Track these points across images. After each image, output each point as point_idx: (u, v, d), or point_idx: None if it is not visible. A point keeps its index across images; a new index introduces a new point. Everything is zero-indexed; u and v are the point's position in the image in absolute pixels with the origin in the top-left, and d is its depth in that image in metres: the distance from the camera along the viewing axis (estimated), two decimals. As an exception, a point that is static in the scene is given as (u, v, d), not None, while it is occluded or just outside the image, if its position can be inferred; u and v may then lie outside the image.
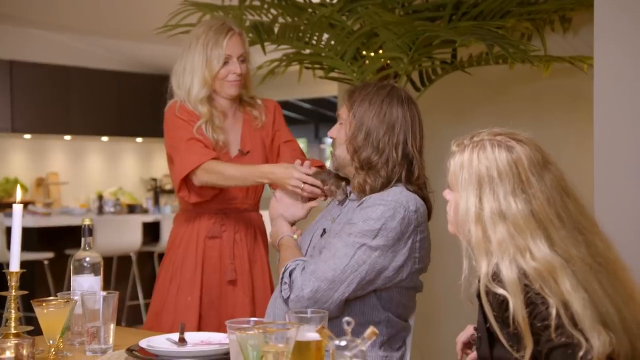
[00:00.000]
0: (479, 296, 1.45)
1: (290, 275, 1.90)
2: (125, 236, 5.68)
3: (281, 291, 1.89)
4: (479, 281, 1.44)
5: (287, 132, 2.67)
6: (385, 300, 1.95)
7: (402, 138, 1.97)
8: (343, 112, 2.02)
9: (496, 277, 1.41)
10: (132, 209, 6.62)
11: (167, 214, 6.30)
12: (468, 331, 1.72)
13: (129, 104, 7.44)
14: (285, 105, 8.29)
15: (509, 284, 1.39)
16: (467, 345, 1.73)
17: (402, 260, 1.90)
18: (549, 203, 1.43)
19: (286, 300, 1.88)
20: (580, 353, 1.33)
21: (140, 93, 7.52)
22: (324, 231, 2.02)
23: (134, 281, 5.98)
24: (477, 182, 1.46)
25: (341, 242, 1.88)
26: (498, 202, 1.43)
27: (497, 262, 1.42)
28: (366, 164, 1.96)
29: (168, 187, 7.83)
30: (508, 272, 1.39)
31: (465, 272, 1.46)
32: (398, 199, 1.90)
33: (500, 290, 1.40)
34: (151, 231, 6.01)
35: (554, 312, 1.35)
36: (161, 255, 6.17)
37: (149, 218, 6.08)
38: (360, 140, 1.96)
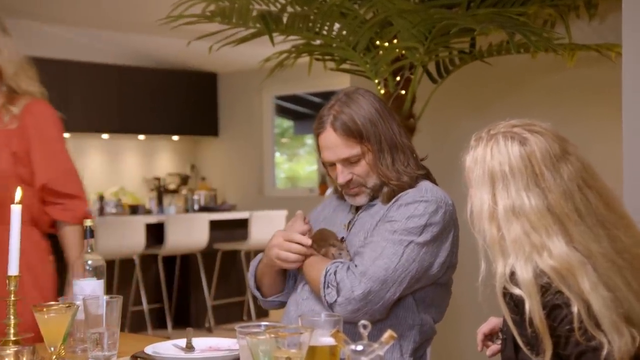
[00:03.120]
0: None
1: (335, 277, 1.90)
2: (128, 238, 5.70)
3: (325, 295, 1.90)
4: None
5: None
6: (419, 300, 1.98)
7: (397, 120, 2.04)
8: (350, 149, 1.97)
9: (513, 277, 1.41)
10: (134, 209, 6.64)
11: (171, 215, 6.32)
12: (490, 323, 1.73)
13: (131, 99, 7.46)
14: (294, 99, 8.29)
15: (524, 285, 1.39)
16: (489, 337, 1.73)
17: (445, 255, 1.95)
18: (565, 197, 1.43)
19: (332, 305, 1.89)
20: (603, 353, 1.33)
21: (142, 88, 7.54)
22: (342, 239, 2.03)
23: (137, 285, 6.00)
24: (490, 179, 1.47)
25: (386, 241, 1.91)
26: (511, 198, 1.44)
27: (513, 262, 1.42)
28: (402, 168, 1.99)
29: (172, 186, 7.85)
30: (523, 272, 1.40)
31: (482, 273, 1.46)
32: (437, 195, 1.95)
33: (517, 291, 1.40)
34: (155, 233, 6.03)
35: (575, 311, 1.35)
36: (166, 258, 6.19)
37: (152, 219, 6.10)
38: (387, 154, 1.99)
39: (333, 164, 2.01)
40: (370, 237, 1.96)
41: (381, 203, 2.02)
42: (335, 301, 1.88)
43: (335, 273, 1.90)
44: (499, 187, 1.46)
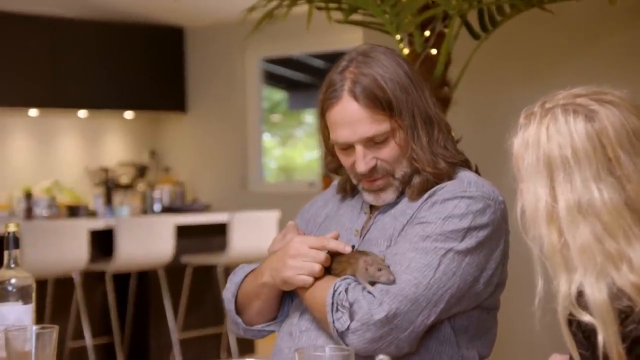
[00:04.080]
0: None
1: (346, 296, 1.90)
2: (65, 250, 5.70)
3: (333, 322, 1.90)
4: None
5: None
6: (459, 330, 1.98)
7: (429, 88, 2.05)
8: (377, 124, 1.96)
9: (582, 298, 1.42)
10: (73, 211, 6.64)
11: (123, 218, 6.32)
12: None
13: (69, 62, 7.45)
14: (288, 62, 8.29)
15: (597, 308, 1.39)
16: None
17: (493, 268, 1.97)
18: None
19: (343, 334, 1.89)
20: None
21: (84, 48, 7.53)
22: (353, 248, 2.04)
23: (78, 312, 6.01)
24: (546, 167, 1.47)
25: (415, 250, 1.92)
26: (576, 192, 1.44)
27: (581, 278, 1.42)
28: (439, 150, 2.00)
29: (125, 180, 7.86)
30: (594, 292, 1.40)
31: (539, 294, 1.47)
32: (483, 190, 1.97)
33: (587, 318, 1.40)
34: (101, 242, 6.04)
35: None
36: (117, 277, 6.20)
37: (98, 224, 6.10)
38: (422, 132, 1.99)
39: (348, 148, 2.01)
40: (394, 246, 1.97)
41: (408, 199, 2.02)
42: (348, 328, 1.88)
43: (346, 291, 1.90)
44: (559, 178, 1.46)
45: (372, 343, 1.87)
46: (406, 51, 3.27)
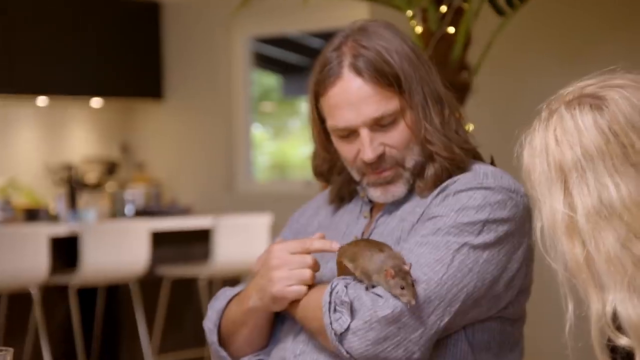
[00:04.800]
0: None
1: (347, 292, 1.90)
2: (22, 260, 5.71)
3: (331, 323, 1.89)
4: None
5: None
6: (478, 346, 1.98)
7: (435, 69, 2.06)
8: (385, 102, 1.98)
9: (617, 319, 1.42)
10: (32, 214, 6.65)
11: (89, 223, 6.32)
12: None
13: (26, 42, 7.46)
14: (284, 43, 8.29)
15: (632, 327, 1.39)
16: None
17: (516, 268, 1.97)
18: None
19: (343, 335, 1.88)
20: None
21: (44, 25, 7.53)
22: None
23: (37, 332, 6.02)
24: (558, 174, 1.47)
25: (424, 245, 1.92)
26: (593, 193, 1.44)
27: (613, 295, 1.42)
28: (452, 134, 2.02)
29: (92, 178, 7.85)
30: (627, 308, 1.39)
31: (570, 319, 1.47)
32: (502, 182, 1.98)
33: (623, 340, 1.41)
34: (64, 251, 6.05)
35: None
36: (82, 292, 6.20)
37: (60, 230, 6.11)
38: (433, 112, 2.01)
39: (350, 134, 2.01)
40: (403, 244, 1.97)
41: (419, 195, 2.03)
42: (349, 328, 1.87)
43: (346, 287, 1.91)
44: (573, 183, 1.45)
45: (376, 345, 1.86)
46: (419, 29, 3.28)
